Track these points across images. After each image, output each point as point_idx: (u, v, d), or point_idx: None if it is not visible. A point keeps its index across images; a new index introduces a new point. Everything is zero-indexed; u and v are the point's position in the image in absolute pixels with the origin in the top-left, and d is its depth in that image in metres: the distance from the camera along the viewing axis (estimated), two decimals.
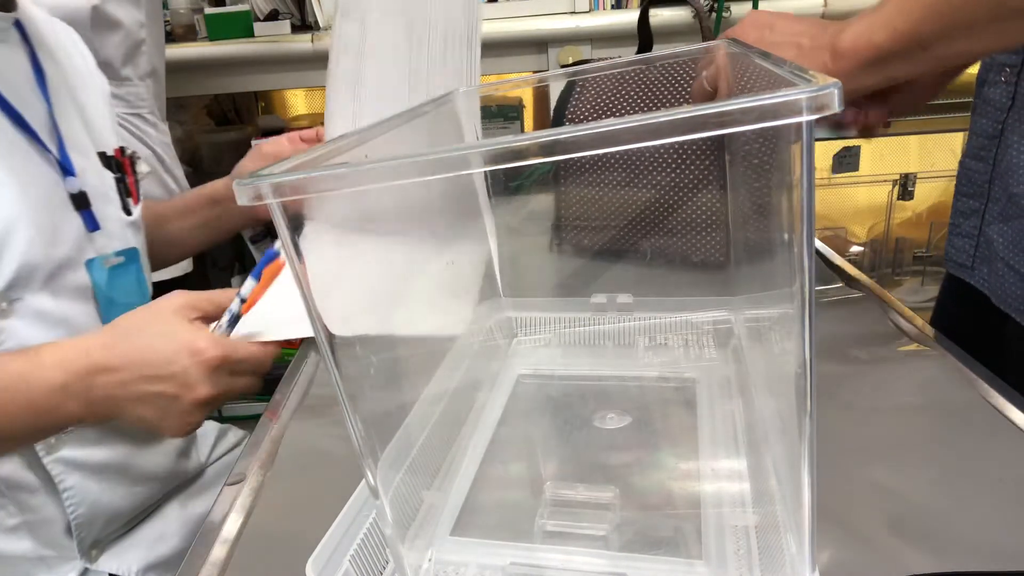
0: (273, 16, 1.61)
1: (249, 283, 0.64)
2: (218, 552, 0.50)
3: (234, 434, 0.93)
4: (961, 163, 0.70)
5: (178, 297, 0.62)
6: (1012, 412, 0.55)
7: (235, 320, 0.62)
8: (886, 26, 0.50)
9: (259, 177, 0.34)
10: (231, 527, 0.52)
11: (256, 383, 0.62)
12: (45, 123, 0.68)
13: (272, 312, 0.63)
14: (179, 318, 0.60)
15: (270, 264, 0.64)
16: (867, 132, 0.74)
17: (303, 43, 1.54)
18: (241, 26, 1.57)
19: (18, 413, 0.56)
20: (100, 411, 0.58)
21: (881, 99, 0.72)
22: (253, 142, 1.61)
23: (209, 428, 0.90)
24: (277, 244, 0.65)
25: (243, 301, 0.63)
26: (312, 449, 0.61)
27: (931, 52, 0.50)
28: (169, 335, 0.58)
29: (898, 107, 0.72)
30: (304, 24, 1.65)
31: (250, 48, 1.56)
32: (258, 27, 1.58)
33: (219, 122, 2.02)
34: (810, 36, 0.56)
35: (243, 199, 0.33)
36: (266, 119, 1.98)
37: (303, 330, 0.61)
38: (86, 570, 0.70)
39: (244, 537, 0.51)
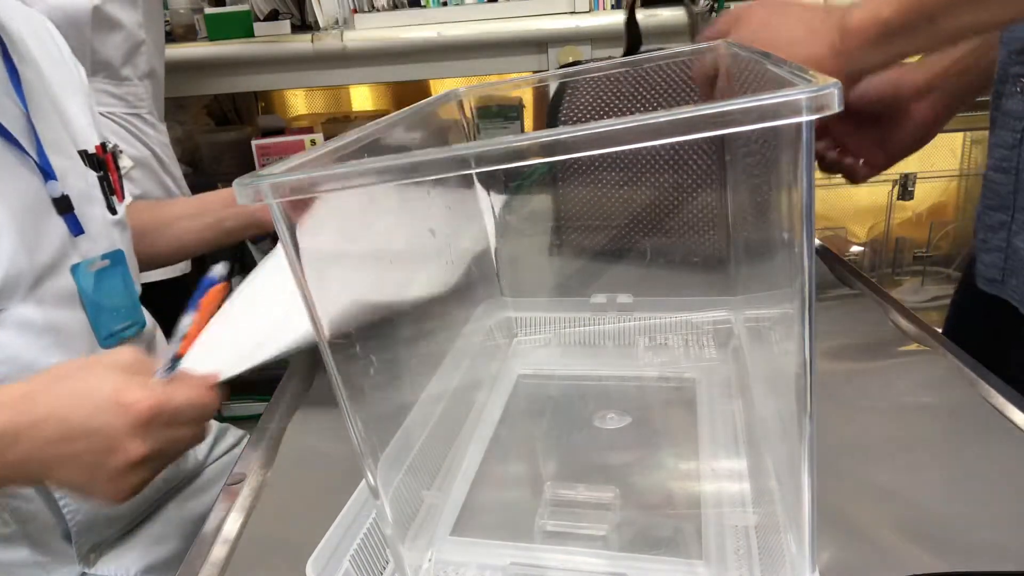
0: (273, 16, 1.61)
1: (187, 318, 0.56)
2: (218, 552, 0.50)
3: (232, 434, 0.93)
4: (985, 176, 0.71)
5: (126, 352, 0.54)
6: (1012, 412, 0.55)
7: (175, 362, 0.54)
8: (892, 1, 0.51)
9: (259, 177, 0.34)
10: (231, 527, 0.52)
11: (202, 432, 0.54)
12: (22, 126, 0.66)
13: (218, 345, 0.56)
14: (114, 370, 0.51)
15: (207, 294, 0.57)
16: (852, 177, 0.77)
17: (303, 43, 1.54)
18: (241, 26, 1.57)
19: None
20: (22, 474, 0.51)
21: (878, 142, 0.73)
22: (253, 142, 1.62)
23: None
24: (214, 271, 0.60)
25: (182, 339, 0.55)
26: (312, 449, 0.61)
27: (938, 25, 0.51)
28: (94, 387, 0.50)
29: (896, 147, 0.74)
30: (304, 24, 1.65)
31: (250, 48, 1.56)
32: (258, 27, 1.58)
33: (219, 122, 2.02)
34: (820, 18, 0.57)
35: (243, 199, 0.33)
36: (266, 119, 1.98)
37: (255, 357, 0.56)
38: (83, 574, 0.70)
39: (244, 537, 0.51)
